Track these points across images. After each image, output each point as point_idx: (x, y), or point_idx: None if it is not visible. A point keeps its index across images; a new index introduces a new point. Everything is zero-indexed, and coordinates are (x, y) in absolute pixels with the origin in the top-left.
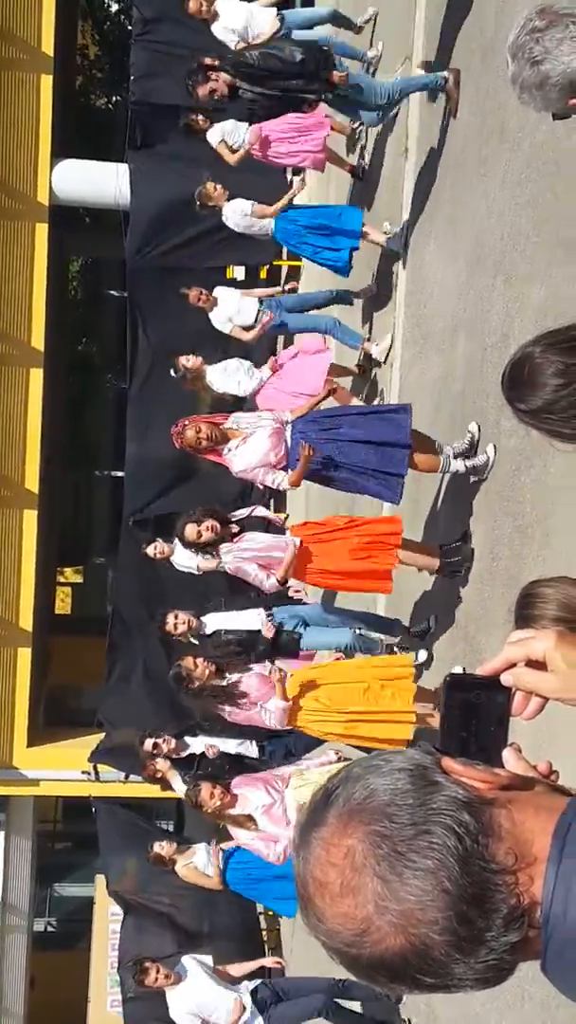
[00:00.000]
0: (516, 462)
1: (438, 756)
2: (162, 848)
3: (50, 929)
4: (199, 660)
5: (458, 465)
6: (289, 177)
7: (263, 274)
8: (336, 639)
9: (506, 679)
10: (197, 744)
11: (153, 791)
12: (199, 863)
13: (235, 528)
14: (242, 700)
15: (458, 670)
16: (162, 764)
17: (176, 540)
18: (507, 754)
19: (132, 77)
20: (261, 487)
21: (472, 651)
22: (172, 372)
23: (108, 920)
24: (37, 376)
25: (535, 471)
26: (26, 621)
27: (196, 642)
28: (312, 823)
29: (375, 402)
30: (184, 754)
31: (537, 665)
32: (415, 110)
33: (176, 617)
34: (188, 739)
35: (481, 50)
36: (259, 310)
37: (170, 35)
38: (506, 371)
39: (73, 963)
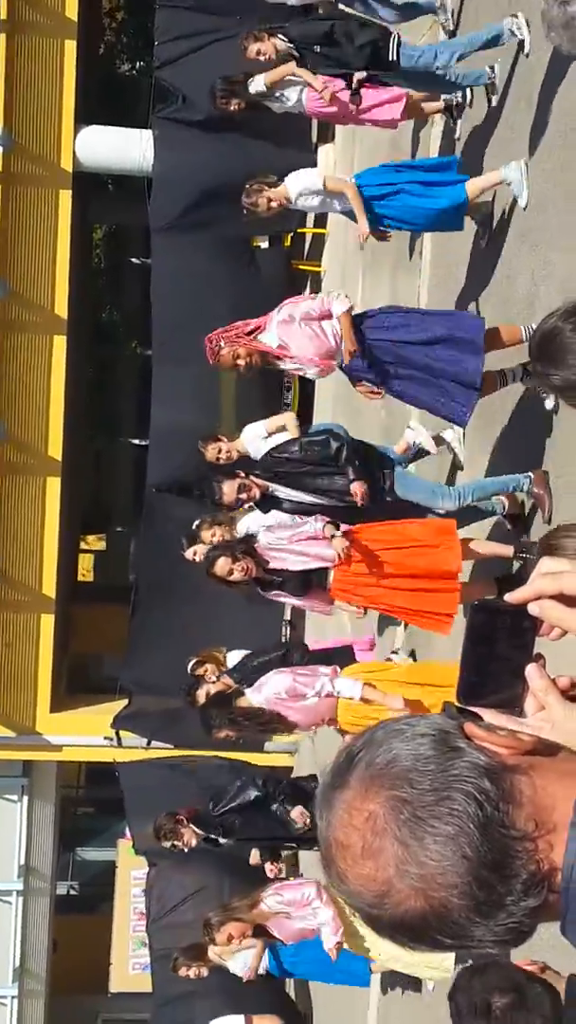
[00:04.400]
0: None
1: (461, 720)
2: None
3: (72, 893)
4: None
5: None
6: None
7: (287, 242)
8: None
9: (533, 609)
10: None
11: (176, 756)
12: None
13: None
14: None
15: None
16: (189, 835)
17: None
18: (531, 669)
19: (156, 42)
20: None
21: None
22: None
23: (131, 884)
24: (60, 344)
25: None
26: (49, 588)
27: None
28: (334, 785)
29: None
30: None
31: (568, 599)
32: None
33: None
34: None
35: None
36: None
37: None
38: (535, 340)
39: (95, 927)
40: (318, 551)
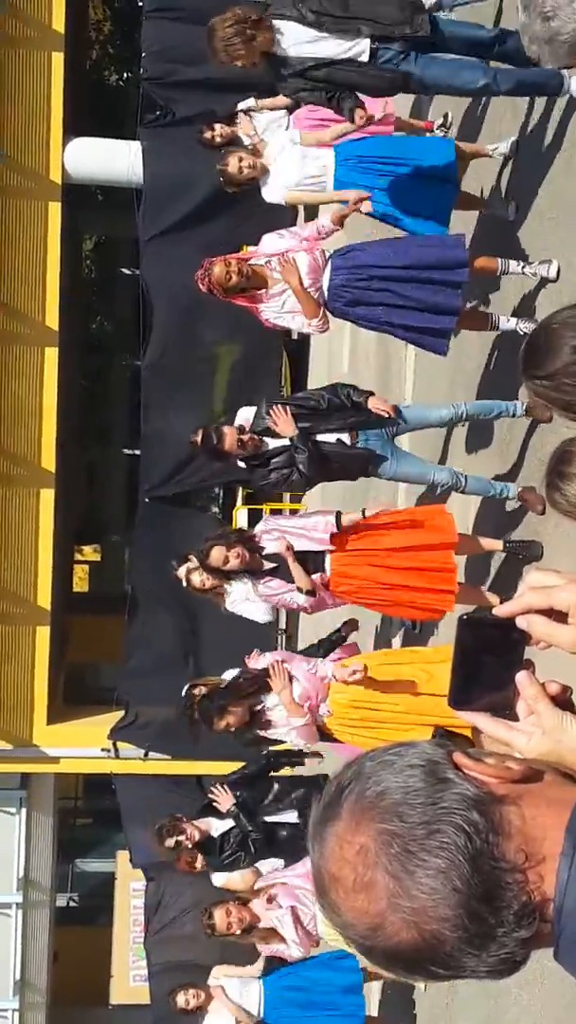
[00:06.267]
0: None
1: (450, 749)
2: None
3: (72, 905)
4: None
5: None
6: None
7: None
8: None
9: (521, 624)
10: (222, 825)
11: (173, 767)
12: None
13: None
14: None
15: (472, 613)
16: (191, 829)
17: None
18: (521, 677)
19: (144, 53)
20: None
21: None
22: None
23: (130, 895)
24: (52, 355)
25: None
26: (44, 600)
27: None
28: (325, 817)
29: (400, 398)
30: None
31: (558, 614)
32: None
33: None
34: (212, 820)
35: None
36: None
37: (181, 8)
38: (524, 345)
39: (95, 938)
40: (314, 536)
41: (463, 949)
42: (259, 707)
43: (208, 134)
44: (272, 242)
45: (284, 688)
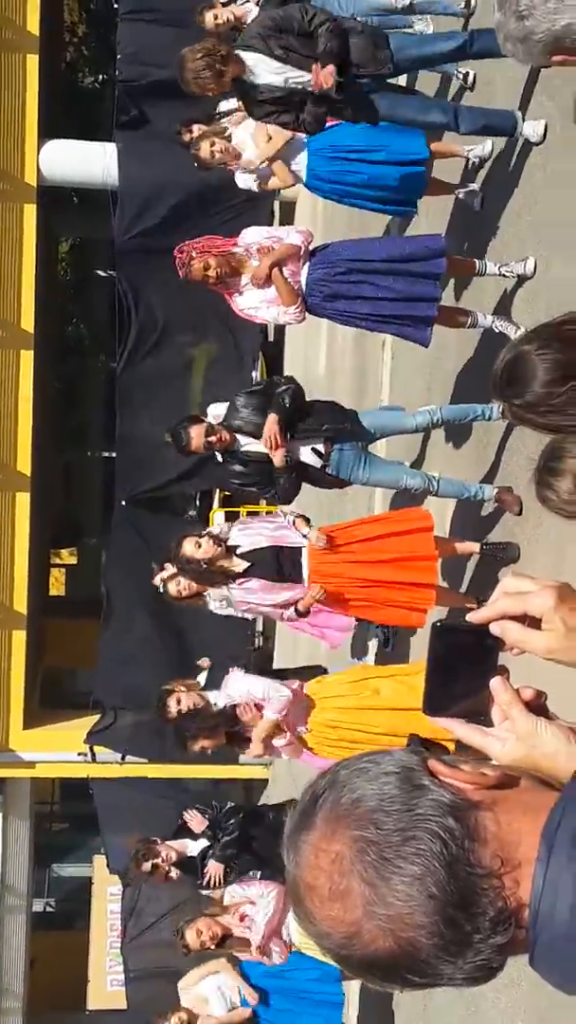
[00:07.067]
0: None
1: (425, 756)
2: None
3: (49, 909)
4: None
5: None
6: None
7: None
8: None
9: (495, 630)
10: (196, 845)
11: (150, 771)
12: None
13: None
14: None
15: (445, 619)
16: (166, 850)
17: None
18: (495, 683)
19: (119, 55)
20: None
21: None
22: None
23: (107, 900)
24: (27, 358)
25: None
26: (20, 603)
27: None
28: (301, 826)
29: (376, 399)
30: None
31: (532, 619)
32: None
33: None
34: (187, 840)
35: None
36: None
37: (157, 10)
38: (498, 370)
39: (72, 943)
40: (287, 532)
41: (439, 956)
42: (236, 727)
43: (187, 136)
44: (253, 233)
45: (253, 719)
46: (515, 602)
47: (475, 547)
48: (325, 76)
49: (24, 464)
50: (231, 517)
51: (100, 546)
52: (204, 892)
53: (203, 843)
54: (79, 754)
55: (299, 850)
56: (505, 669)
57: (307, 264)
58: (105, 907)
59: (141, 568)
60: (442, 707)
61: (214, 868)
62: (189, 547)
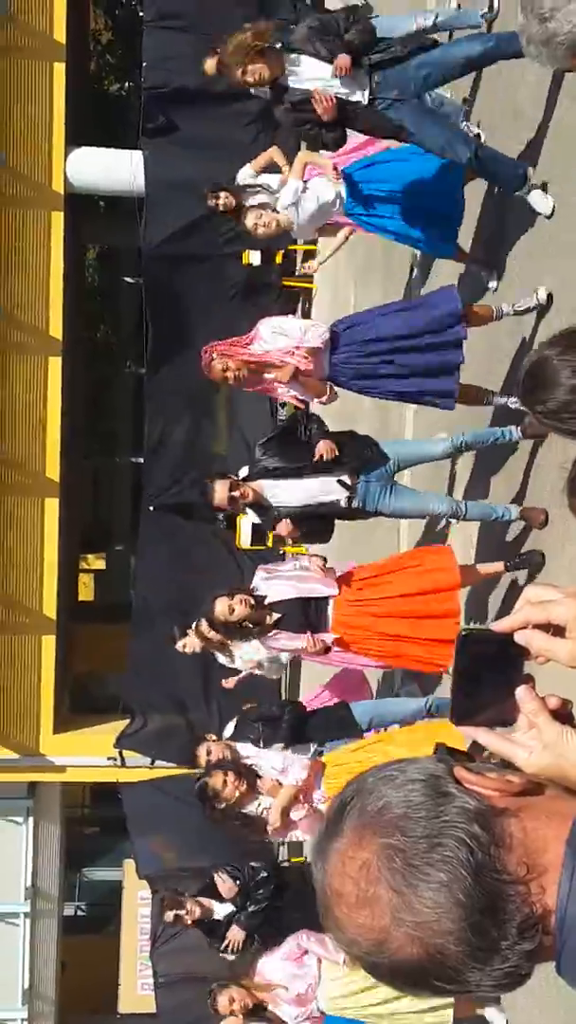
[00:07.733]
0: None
1: (451, 763)
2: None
3: (80, 914)
4: (229, 777)
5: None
6: None
7: (278, 258)
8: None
9: (520, 638)
10: (222, 909)
11: (179, 775)
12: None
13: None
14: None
15: (471, 628)
16: (192, 904)
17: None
18: (521, 692)
19: (144, 63)
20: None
21: None
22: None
23: (138, 904)
24: (56, 364)
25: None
26: (50, 609)
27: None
28: (328, 834)
29: (401, 427)
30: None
31: (557, 628)
32: None
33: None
34: (215, 903)
35: None
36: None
37: (182, 18)
38: (523, 374)
39: (103, 947)
40: (314, 585)
41: (467, 963)
42: (256, 812)
43: (213, 201)
44: (271, 336)
45: (272, 790)
46: (539, 610)
47: (500, 567)
48: (343, 61)
49: (53, 470)
50: (256, 528)
51: (129, 551)
52: (221, 955)
53: (229, 907)
54: (109, 758)
55: (327, 858)
56: (531, 677)
57: (329, 343)
58: (136, 911)
59: (169, 572)
60: (468, 716)
61: (235, 935)
62: (222, 608)
